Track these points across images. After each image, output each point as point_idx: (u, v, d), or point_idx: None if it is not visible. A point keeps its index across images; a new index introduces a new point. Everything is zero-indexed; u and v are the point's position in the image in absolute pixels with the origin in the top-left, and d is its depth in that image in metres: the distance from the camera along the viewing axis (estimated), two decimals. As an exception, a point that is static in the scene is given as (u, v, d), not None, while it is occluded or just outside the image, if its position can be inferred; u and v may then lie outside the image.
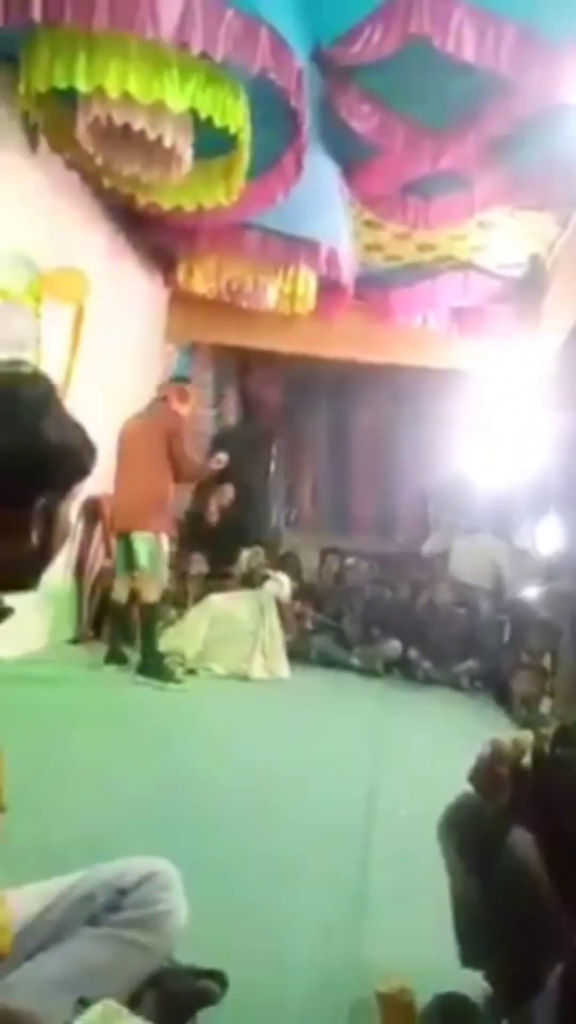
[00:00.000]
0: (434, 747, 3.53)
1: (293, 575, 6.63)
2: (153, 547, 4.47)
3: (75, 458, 0.98)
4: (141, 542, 4.46)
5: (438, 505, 8.08)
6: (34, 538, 0.96)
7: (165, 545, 4.57)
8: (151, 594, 4.53)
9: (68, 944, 1.13)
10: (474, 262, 6.10)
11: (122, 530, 4.64)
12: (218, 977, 1.28)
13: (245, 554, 6.09)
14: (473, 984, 1.42)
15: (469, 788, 1.41)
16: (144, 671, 4.33)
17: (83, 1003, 1.01)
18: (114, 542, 4.90)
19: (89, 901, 1.16)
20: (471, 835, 1.41)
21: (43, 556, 0.98)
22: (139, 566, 4.48)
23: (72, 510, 1.02)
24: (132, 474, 4.51)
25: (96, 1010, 0.96)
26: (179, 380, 5.13)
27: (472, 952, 1.40)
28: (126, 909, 1.16)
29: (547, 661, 4.18)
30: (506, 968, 1.37)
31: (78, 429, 0.98)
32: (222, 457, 4.87)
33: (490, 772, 1.45)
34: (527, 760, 1.42)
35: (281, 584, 5.54)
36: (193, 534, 6.59)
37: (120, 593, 4.68)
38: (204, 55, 3.09)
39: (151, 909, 1.17)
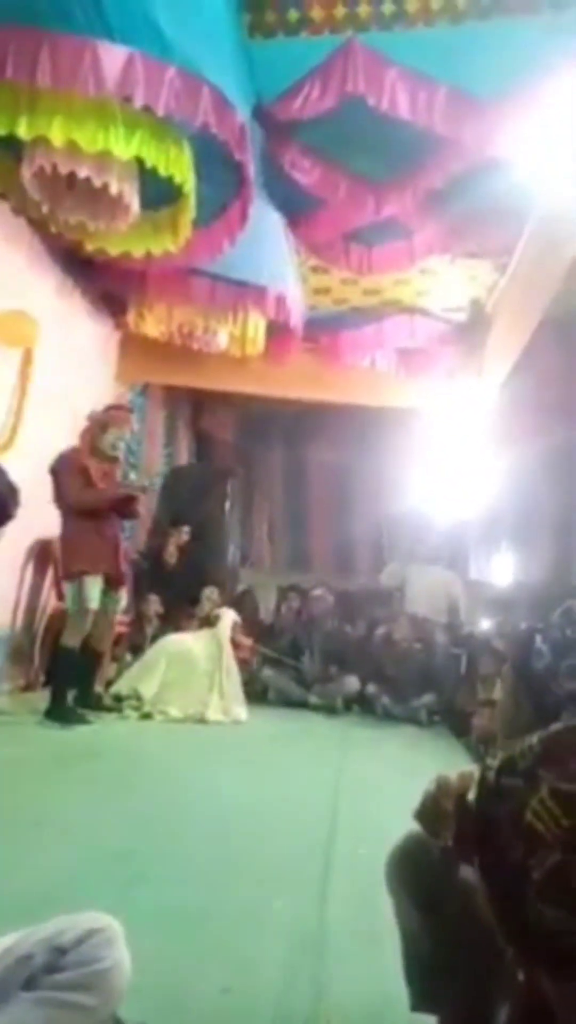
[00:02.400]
0: (393, 784, 3.51)
1: (250, 613, 6.59)
2: (74, 592, 4.41)
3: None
4: (67, 586, 4.45)
5: (393, 538, 8.17)
6: None
7: (91, 589, 4.40)
8: (66, 637, 4.42)
9: (3, 1011, 1.08)
10: (419, 306, 6.30)
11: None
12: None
13: (206, 593, 6.02)
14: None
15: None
16: (49, 715, 4.21)
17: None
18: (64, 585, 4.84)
19: (27, 963, 1.12)
20: (419, 874, 1.41)
21: None
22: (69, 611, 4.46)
23: None
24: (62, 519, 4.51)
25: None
26: (111, 409, 4.91)
27: (421, 994, 1.38)
28: (66, 969, 1.12)
29: (497, 692, 4.23)
30: (457, 1009, 1.36)
31: (1, 475, 1.00)
32: (154, 479, 4.83)
33: (436, 808, 1.45)
34: (473, 795, 1.44)
35: (229, 615, 5.48)
36: (149, 575, 6.52)
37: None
38: (147, 109, 3.18)
39: (92, 967, 1.13)
